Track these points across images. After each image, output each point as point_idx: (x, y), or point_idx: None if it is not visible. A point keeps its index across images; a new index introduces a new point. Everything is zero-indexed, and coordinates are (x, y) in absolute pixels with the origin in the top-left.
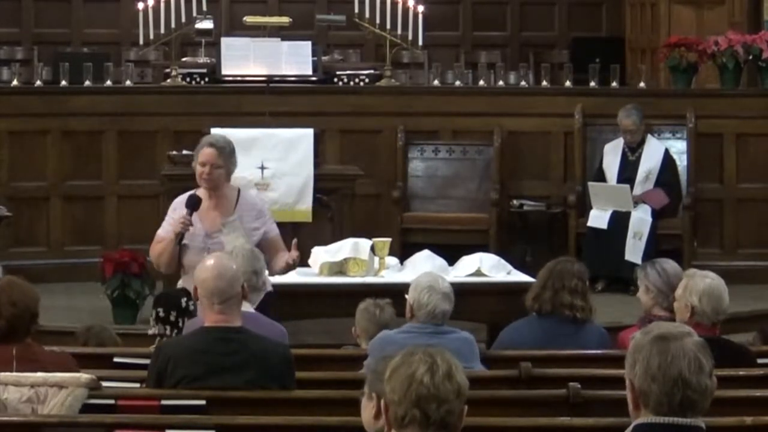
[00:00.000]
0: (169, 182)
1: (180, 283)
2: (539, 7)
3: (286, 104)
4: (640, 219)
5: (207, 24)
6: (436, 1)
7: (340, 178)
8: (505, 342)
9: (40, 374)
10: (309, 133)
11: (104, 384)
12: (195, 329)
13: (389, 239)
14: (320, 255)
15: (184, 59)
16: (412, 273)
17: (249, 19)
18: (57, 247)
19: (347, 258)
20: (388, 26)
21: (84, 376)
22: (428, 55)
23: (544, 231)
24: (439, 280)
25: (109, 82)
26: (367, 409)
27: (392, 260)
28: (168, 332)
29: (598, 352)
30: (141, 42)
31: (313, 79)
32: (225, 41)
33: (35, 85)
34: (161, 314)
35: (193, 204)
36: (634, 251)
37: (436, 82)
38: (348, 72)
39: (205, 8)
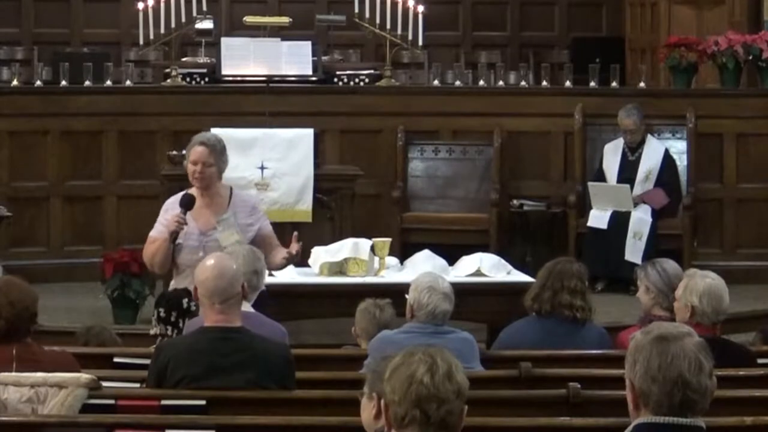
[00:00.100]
0: (169, 182)
1: (172, 284)
2: (539, 7)
3: (286, 104)
4: (640, 219)
5: (207, 24)
6: (436, 1)
7: (340, 178)
8: (505, 342)
9: (40, 374)
10: (309, 133)
11: (104, 384)
12: (195, 329)
13: (389, 239)
14: (320, 255)
15: (184, 59)
16: (412, 273)
17: (249, 19)
18: (57, 247)
19: (347, 258)
20: (388, 26)
21: (84, 376)
22: (428, 55)
23: (544, 231)
24: (439, 280)
25: (109, 82)
26: (367, 409)
27: (392, 260)
28: (169, 332)
29: (598, 352)
30: (141, 42)
31: (313, 79)
32: (225, 41)
33: (35, 85)
34: (162, 315)
35: (187, 203)
36: (634, 251)
37: (436, 82)
38: (348, 72)
39: (205, 8)
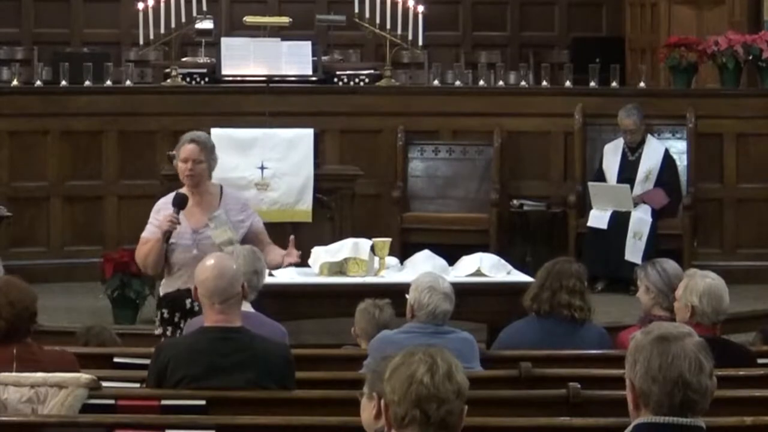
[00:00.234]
0: (169, 182)
1: (163, 283)
2: (539, 7)
3: (286, 104)
4: (640, 219)
5: (207, 24)
6: (436, 1)
7: (340, 178)
8: (504, 342)
9: (40, 374)
10: (309, 133)
11: (104, 384)
12: (195, 329)
13: (389, 239)
14: (320, 255)
15: (184, 59)
16: (412, 273)
17: (249, 19)
18: (57, 247)
19: (347, 258)
20: (388, 26)
21: (84, 376)
22: (428, 55)
23: (544, 231)
24: (439, 280)
25: (109, 82)
26: (367, 409)
27: (392, 260)
28: (171, 333)
29: (598, 352)
30: (141, 42)
31: (313, 79)
32: (225, 41)
33: (35, 85)
34: (166, 316)
35: (180, 202)
36: (634, 251)
37: (436, 82)
38: (348, 72)
39: (205, 8)
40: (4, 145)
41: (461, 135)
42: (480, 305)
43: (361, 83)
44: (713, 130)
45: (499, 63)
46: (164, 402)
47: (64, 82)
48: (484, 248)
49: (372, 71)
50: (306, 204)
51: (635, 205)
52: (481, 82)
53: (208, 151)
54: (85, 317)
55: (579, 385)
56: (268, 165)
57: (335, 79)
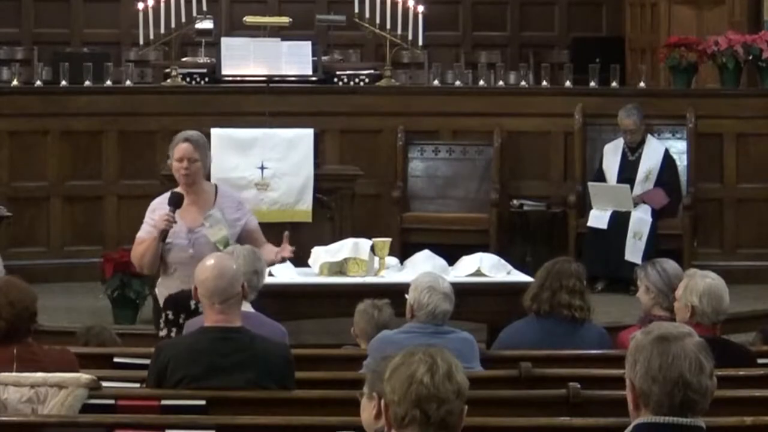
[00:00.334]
0: (169, 182)
1: (159, 283)
2: (539, 7)
3: (286, 104)
4: (640, 219)
5: (207, 24)
6: (436, 1)
7: (340, 178)
8: (504, 342)
9: (40, 374)
10: (309, 133)
11: (104, 384)
12: (195, 329)
13: (389, 239)
14: (320, 255)
15: (184, 59)
16: (412, 273)
17: (249, 19)
18: (57, 247)
19: (347, 258)
20: (388, 26)
21: (84, 376)
22: (428, 55)
23: (544, 231)
24: (439, 280)
25: (109, 82)
26: (367, 409)
27: (392, 260)
28: (175, 335)
29: (598, 352)
30: (141, 42)
31: (313, 79)
32: (225, 41)
33: (35, 85)
34: (170, 317)
35: (176, 201)
36: (634, 251)
37: (436, 82)
38: (348, 72)
39: (205, 8)
40: (4, 145)
41: (461, 135)
42: (480, 305)
43: (361, 83)
44: (713, 130)
45: (499, 63)
46: (164, 402)
47: (64, 82)
48: (484, 248)
49: (372, 71)
50: (306, 204)
51: (635, 205)
52: (481, 82)
53: (202, 150)
54: (85, 317)
55: (579, 385)
56: (268, 165)
57: (335, 79)
